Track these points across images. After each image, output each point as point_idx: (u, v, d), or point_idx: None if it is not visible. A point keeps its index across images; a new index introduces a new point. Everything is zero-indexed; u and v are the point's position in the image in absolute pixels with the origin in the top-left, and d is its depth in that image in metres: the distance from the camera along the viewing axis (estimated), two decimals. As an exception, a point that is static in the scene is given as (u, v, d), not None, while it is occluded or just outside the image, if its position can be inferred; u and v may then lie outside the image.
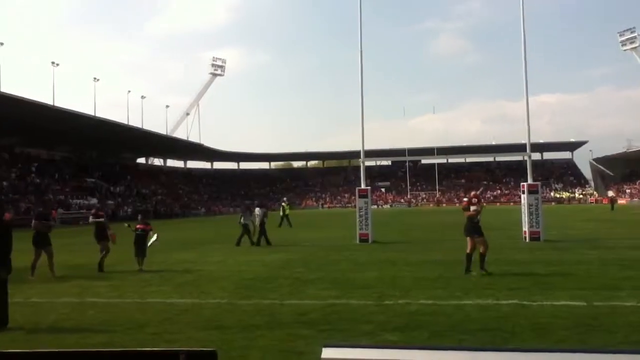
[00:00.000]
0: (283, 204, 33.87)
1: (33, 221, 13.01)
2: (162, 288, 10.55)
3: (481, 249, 11.54)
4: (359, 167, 23.33)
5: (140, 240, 13.41)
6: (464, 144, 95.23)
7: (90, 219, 14.76)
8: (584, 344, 5.96)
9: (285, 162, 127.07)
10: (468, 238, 11.75)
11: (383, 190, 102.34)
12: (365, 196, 21.15)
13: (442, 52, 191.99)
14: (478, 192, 13.50)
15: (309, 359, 5.55)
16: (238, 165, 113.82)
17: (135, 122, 74.54)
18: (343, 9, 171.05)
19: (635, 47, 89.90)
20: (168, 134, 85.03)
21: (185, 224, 44.15)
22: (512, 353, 1.97)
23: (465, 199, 12.99)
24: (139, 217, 14.74)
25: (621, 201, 69.12)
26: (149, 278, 11.93)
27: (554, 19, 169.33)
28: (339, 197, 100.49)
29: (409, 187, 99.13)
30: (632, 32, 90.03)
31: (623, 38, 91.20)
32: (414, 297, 8.83)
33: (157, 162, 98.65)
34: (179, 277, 12.00)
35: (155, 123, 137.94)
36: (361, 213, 20.69)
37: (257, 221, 20.32)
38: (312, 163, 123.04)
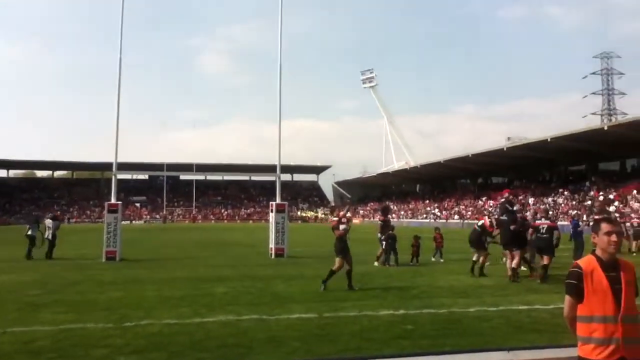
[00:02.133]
0: None
1: None
2: None
3: (347, 267, 11.88)
4: (111, 179, 22.09)
5: None
6: (223, 162, 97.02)
7: None
8: (311, 354, 6.56)
9: (28, 171, 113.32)
10: (339, 257, 11.92)
11: (138, 205, 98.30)
12: (116, 211, 20.11)
13: (208, 70, 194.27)
14: (345, 211, 13.75)
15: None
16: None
17: None
18: (103, 13, 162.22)
19: (373, 86, 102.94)
20: None
21: None
22: None
23: (334, 219, 13.00)
24: None
25: (355, 221, 77.59)
26: None
27: (312, 51, 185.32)
28: (88, 212, 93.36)
29: (165, 203, 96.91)
30: (371, 73, 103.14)
31: (364, 77, 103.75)
32: (158, 317, 8.67)
33: None
34: None
35: None
36: (109, 229, 19.63)
37: (49, 233, 20.08)
38: (59, 173, 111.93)
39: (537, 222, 14.16)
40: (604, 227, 3.35)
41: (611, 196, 42.70)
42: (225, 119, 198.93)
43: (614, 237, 3.31)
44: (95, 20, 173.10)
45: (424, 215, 71.45)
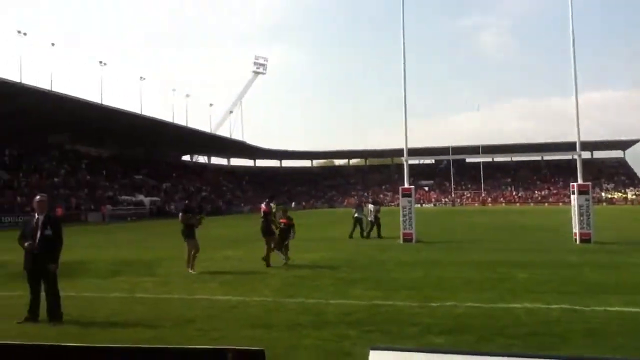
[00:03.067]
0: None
1: (180, 214, 13.24)
2: (209, 285, 10.71)
3: None
4: (401, 165, 23.23)
5: (283, 235, 14.16)
6: (509, 142, 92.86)
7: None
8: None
9: (327, 160, 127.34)
10: None
11: (426, 189, 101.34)
12: (409, 195, 20.93)
13: (485, 49, 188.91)
14: None
15: (355, 361, 5.53)
16: (280, 163, 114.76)
17: (179, 120, 75.88)
18: (384, 4, 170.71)
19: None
20: (212, 132, 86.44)
21: (230, 220, 44.87)
22: None
23: None
24: (279, 209, 15.20)
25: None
26: (197, 274, 12.13)
27: (602, 16, 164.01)
28: (381, 196, 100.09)
29: (452, 186, 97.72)
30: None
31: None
32: (461, 300, 8.66)
33: (202, 159, 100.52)
34: (225, 274, 12.16)
35: (199, 121, 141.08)
36: (405, 212, 20.49)
37: (371, 216, 22.83)
38: (354, 161, 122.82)
39: None
40: None
41: None
42: (506, 97, 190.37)
43: None
44: (377, 16, 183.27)
45: None
